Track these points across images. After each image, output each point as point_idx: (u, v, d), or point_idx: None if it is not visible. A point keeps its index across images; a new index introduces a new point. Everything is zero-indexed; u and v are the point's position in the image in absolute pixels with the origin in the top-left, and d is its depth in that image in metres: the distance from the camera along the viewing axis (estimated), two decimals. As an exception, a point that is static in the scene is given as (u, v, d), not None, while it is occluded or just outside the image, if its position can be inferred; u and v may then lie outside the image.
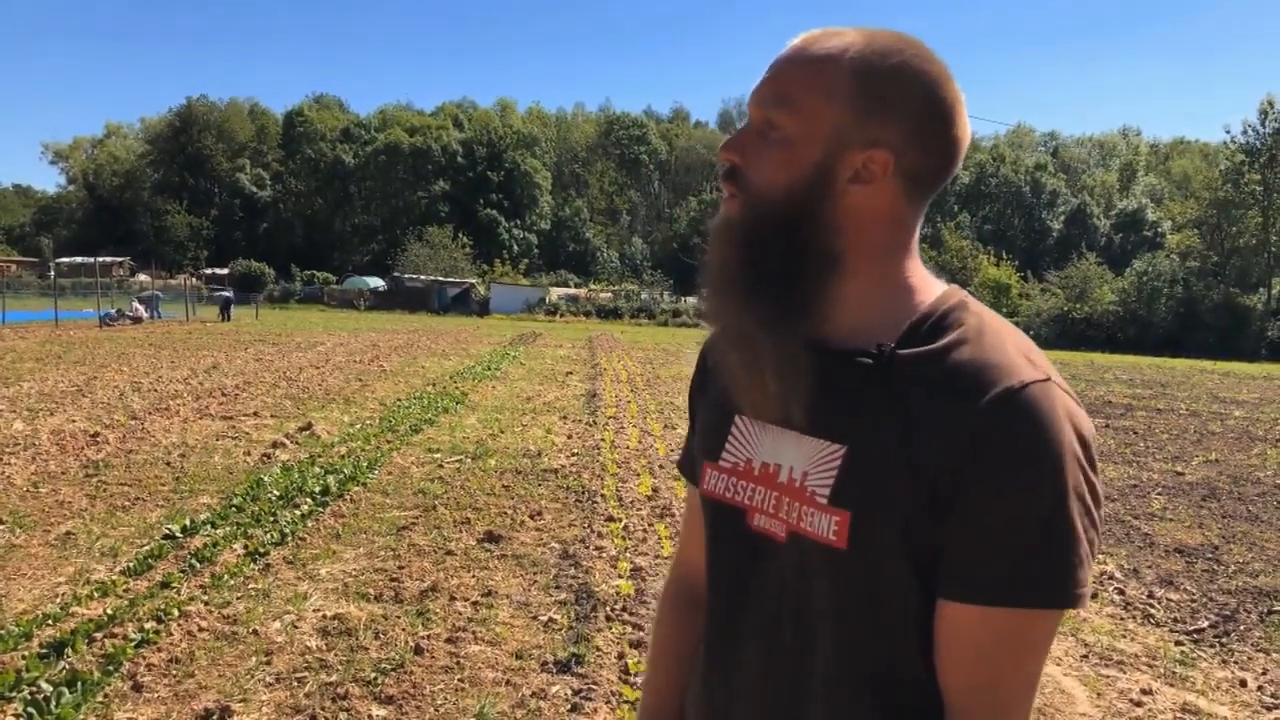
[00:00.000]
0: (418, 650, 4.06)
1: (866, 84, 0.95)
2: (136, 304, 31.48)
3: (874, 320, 0.98)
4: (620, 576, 5.10)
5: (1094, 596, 5.30)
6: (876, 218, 0.98)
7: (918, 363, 0.93)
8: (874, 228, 0.98)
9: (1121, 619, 4.98)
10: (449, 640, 4.19)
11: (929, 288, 1.01)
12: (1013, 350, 0.92)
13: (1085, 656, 4.40)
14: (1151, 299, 46.90)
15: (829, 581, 0.95)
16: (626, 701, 3.63)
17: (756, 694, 1.03)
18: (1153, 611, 5.08)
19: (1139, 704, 3.90)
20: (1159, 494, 8.23)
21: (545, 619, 4.51)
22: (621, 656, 4.05)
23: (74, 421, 9.52)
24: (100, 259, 40.10)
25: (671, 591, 1.32)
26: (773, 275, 0.96)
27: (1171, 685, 4.12)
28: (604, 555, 5.52)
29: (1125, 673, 4.23)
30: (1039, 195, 76.01)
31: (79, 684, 3.53)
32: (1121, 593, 5.38)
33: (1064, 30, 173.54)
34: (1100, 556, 6.10)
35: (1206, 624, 4.91)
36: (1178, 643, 4.65)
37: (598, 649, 4.13)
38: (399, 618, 4.45)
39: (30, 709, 3.34)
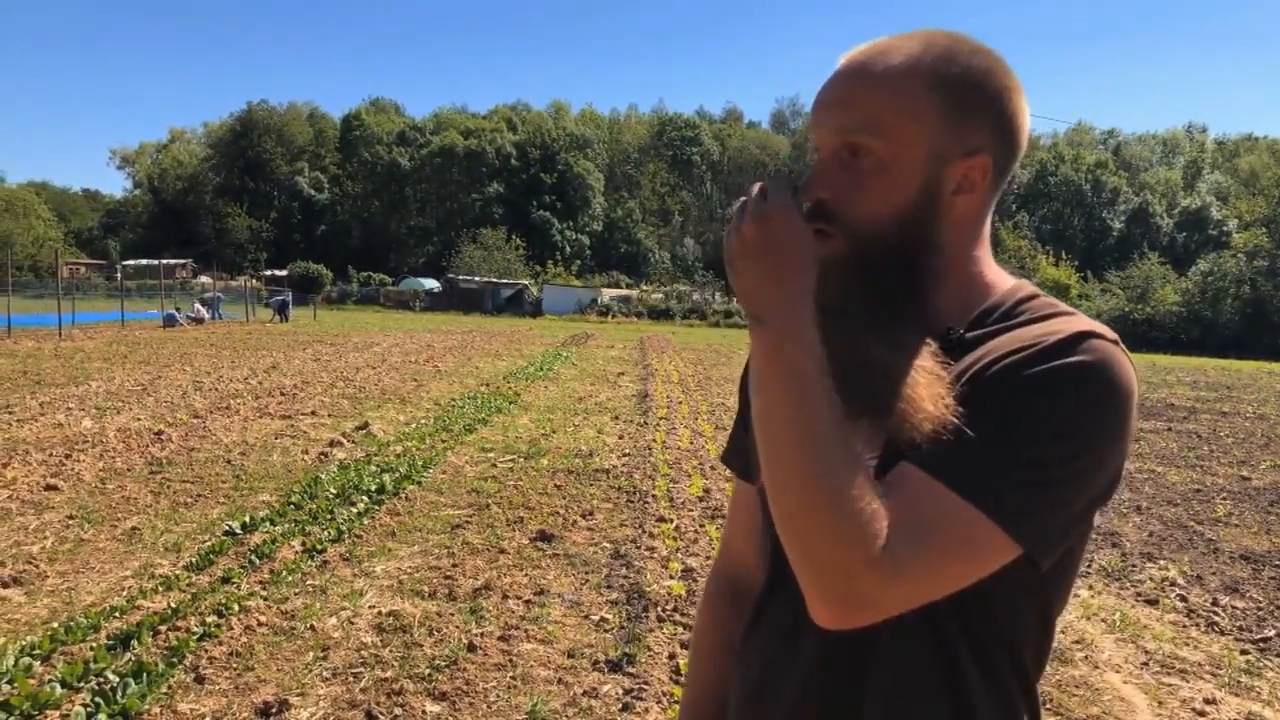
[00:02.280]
0: (471, 648, 4.10)
1: (948, 94, 0.94)
2: (198, 305, 32.19)
3: (950, 313, 0.98)
4: (671, 577, 5.10)
5: (1155, 603, 5.19)
6: (972, 221, 0.99)
7: (980, 340, 0.94)
8: (969, 230, 0.99)
9: (1184, 626, 4.86)
10: (502, 638, 4.23)
11: (1001, 281, 1.02)
12: (1083, 318, 0.93)
13: (1146, 664, 4.30)
14: (1217, 299, 45.76)
15: None
16: (678, 702, 3.63)
17: (813, 684, 1.00)
18: (1217, 619, 4.96)
19: (1202, 714, 3.80)
20: (1224, 499, 8.02)
21: (597, 618, 4.53)
22: (673, 657, 4.05)
23: (139, 420, 9.77)
24: (164, 261, 41.10)
25: (715, 584, 1.32)
26: (892, 301, 0.95)
27: (1236, 695, 4.02)
28: (655, 555, 5.53)
29: (1188, 681, 4.13)
30: (1099, 194, 74.55)
31: (144, 675, 3.62)
32: (1184, 599, 5.26)
33: (1124, 24, 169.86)
34: (1162, 562, 5.97)
35: (1274, 632, 4.77)
36: (1243, 651, 4.53)
37: (649, 649, 4.14)
38: (453, 615, 4.50)
39: (98, 698, 3.43)
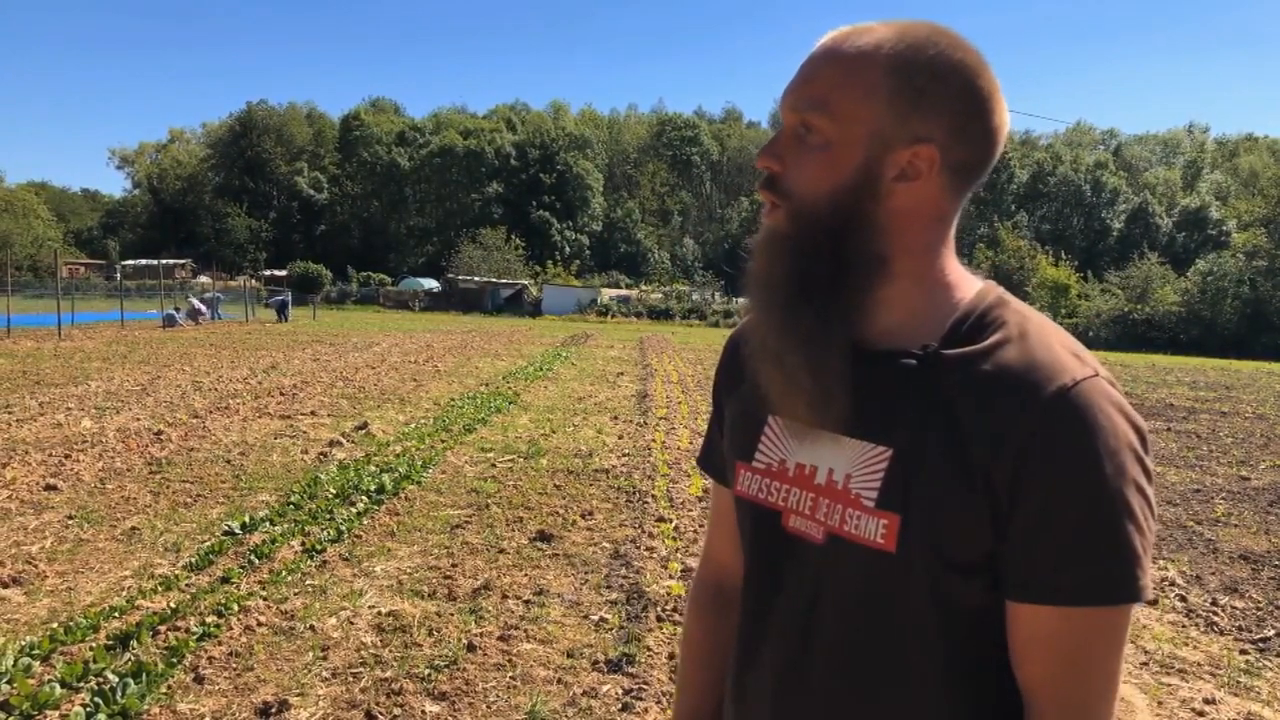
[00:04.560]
0: (470, 648, 4.10)
1: (904, 79, 0.93)
2: (193, 300, 32.24)
3: (914, 319, 0.97)
4: (671, 577, 5.10)
5: (1154, 602, 5.19)
6: (921, 215, 0.96)
7: (964, 363, 0.92)
8: (918, 225, 0.97)
9: (1184, 626, 4.86)
10: (501, 638, 4.23)
11: (966, 284, 1.00)
12: (1059, 347, 0.92)
13: (1146, 664, 4.30)
14: (1216, 299, 45.76)
15: (869, 584, 0.94)
16: (677, 702, 3.63)
17: (797, 694, 1.01)
18: (1216, 619, 4.96)
19: (1201, 714, 3.80)
20: (1223, 499, 8.02)
21: (596, 618, 4.53)
22: (672, 657, 4.05)
23: (139, 420, 9.76)
24: (163, 261, 41.06)
25: (701, 590, 1.31)
26: (820, 284, 0.94)
27: (1236, 695, 4.02)
28: (655, 555, 5.53)
29: (1187, 681, 4.13)
30: (1099, 194, 74.57)
31: (144, 675, 3.62)
32: (1184, 599, 5.26)
33: (1124, 25, 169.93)
34: (1161, 562, 5.97)
35: (1273, 632, 4.77)
36: (1243, 651, 4.53)
37: (649, 649, 4.14)
38: (452, 615, 4.50)
39: (97, 699, 3.43)
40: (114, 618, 4.27)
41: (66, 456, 7.69)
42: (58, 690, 3.48)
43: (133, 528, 5.81)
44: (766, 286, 0.98)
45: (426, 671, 3.85)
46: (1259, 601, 5.27)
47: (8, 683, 3.53)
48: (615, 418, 11.28)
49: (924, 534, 0.90)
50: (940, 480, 0.89)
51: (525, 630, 4.34)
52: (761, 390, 1.02)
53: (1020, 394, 0.88)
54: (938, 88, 0.93)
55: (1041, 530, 0.87)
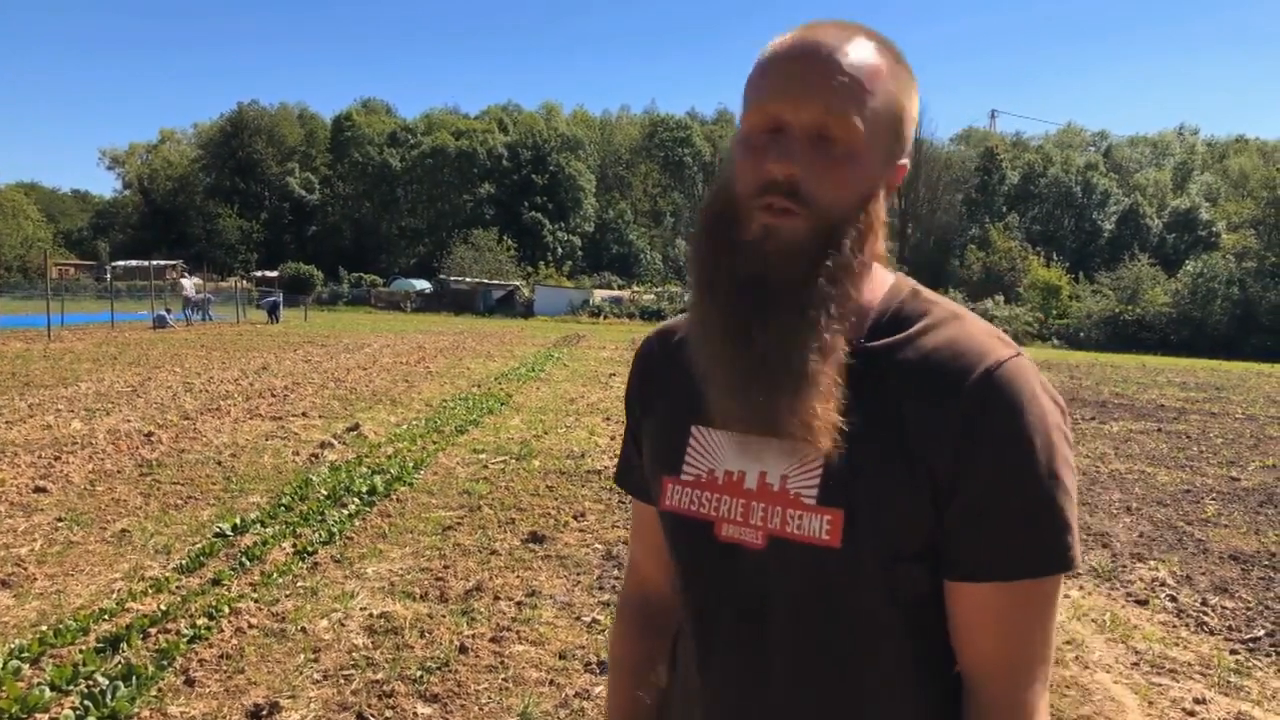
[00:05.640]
0: (462, 649, 4.09)
1: (901, 94, 0.96)
2: (184, 282, 32.27)
3: (860, 311, 0.99)
4: (663, 578, 5.10)
5: (1145, 603, 5.21)
6: (883, 223, 0.99)
7: (889, 353, 0.95)
8: (881, 233, 0.98)
9: (1174, 626, 4.88)
10: (493, 640, 4.22)
11: (881, 278, 1.03)
12: (980, 332, 0.95)
13: (1136, 664, 4.32)
14: (1206, 300, 45.90)
15: (817, 582, 0.95)
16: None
17: (757, 702, 1.01)
18: (1206, 619, 4.98)
19: (1192, 713, 3.82)
20: (1213, 499, 8.05)
21: (589, 620, 4.52)
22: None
23: (129, 421, 9.73)
24: (154, 262, 40.86)
25: (626, 605, 1.28)
26: (831, 289, 0.93)
27: (1226, 695, 4.03)
28: (647, 557, 5.52)
29: (1178, 681, 4.14)
30: (1090, 195, 74.74)
31: (134, 678, 3.61)
32: (1174, 600, 5.28)
33: (1114, 27, 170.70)
34: (1151, 562, 5.99)
35: (1263, 632, 4.79)
36: (1233, 651, 4.55)
37: (641, 650, 4.13)
38: (444, 617, 4.49)
39: (87, 701, 3.42)
40: (104, 620, 4.25)
41: (56, 458, 7.65)
42: (47, 693, 3.46)
43: (123, 530, 5.78)
44: (770, 290, 0.93)
45: (418, 673, 3.85)
46: (1249, 602, 5.29)
47: (-3, 686, 3.51)
48: (607, 419, 11.27)
49: (869, 526, 0.92)
50: (881, 471, 0.91)
51: (517, 632, 4.33)
52: (681, 394, 1.04)
53: (949, 378, 0.91)
54: (911, 102, 0.99)
55: (981, 510, 0.91)
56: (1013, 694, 0.94)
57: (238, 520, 5.96)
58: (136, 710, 3.44)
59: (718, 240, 0.96)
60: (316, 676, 3.80)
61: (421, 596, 4.77)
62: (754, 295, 0.93)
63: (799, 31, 0.97)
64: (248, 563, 5.14)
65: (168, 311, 29.11)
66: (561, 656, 4.08)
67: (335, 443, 8.87)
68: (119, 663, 3.80)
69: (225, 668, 3.85)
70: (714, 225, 0.97)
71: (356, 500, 6.58)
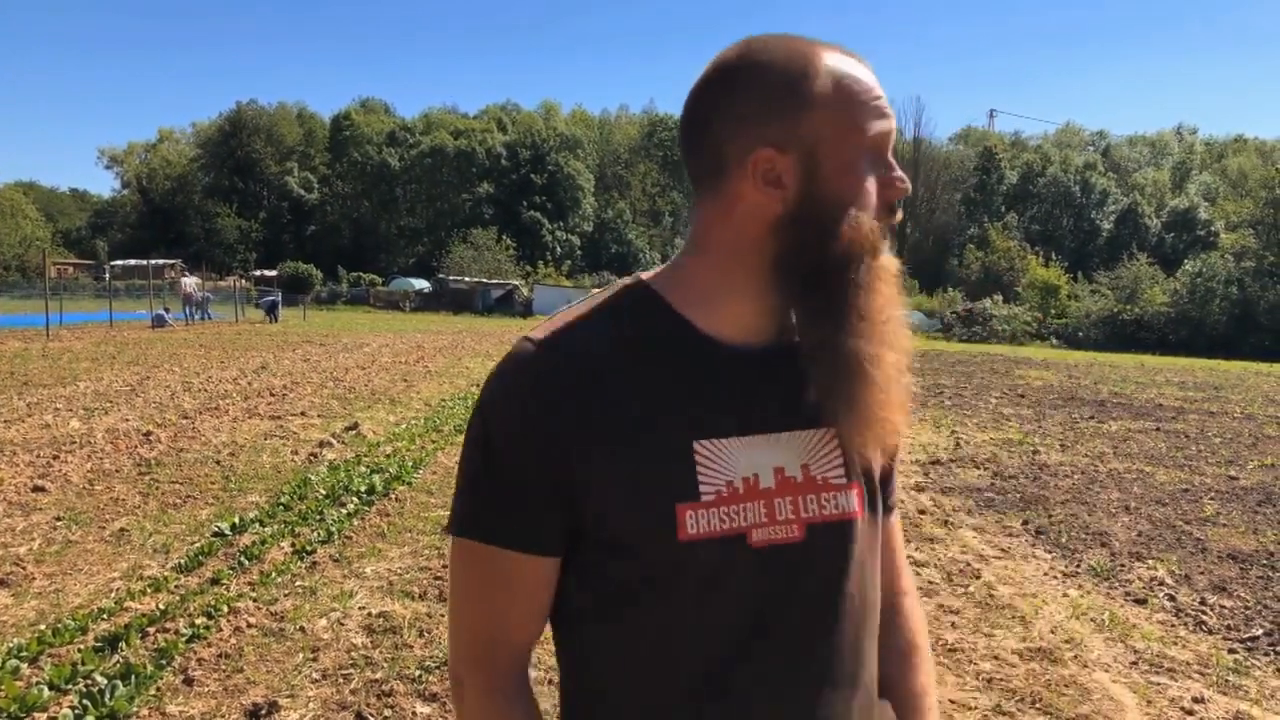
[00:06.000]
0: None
1: None
2: (185, 280, 32.32)
3: None
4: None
5: (1143, 602, 5.21)
6: None
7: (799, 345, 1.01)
8: None
9: (1173, 625, 4.88)
10: (492, 639, 4.21)
11: None
12: None
13: (1135, 663, 4.32)
14: (1205, 300, 45.90)
15: (850, 555, 1.02)
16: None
17: (806, 699, 1.00)
18: (1205, 618, 4.98)
19: (1190, 712, 3.82)
20: (1211, 499, 8.06)
21: (587, 619, 4.52)
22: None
23: (128, 420, 9.72)
24: (153, 261, 40.84)
25: (505, 680, 1.06)
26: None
27: (1224, 694, 4.04)
28: (646, 556, 5.52)
29: (1176, 680, 4.15)
30: (1088, 195, 74.78)
31: (132, 677, 3.61)
32: (1173, 599, 5.28)
33: (1113, 26, 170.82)
34: (1150, 561, 6.00)
35: (1261, 631, 4.80)
36: (1231, 650, 4.55)
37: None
38: (442, 616, 4.49)
39: (86, 701, 3.41)
40: (102, 619, 4.25)
41: (55, 457, 7.65)
42: (46, 692, 3.46)
43: (121, 529, 5.78)
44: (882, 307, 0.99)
45: (417, 673, 3.84)
46: (1247, 601, 5.29)
47: (-5, 685, 3.51)
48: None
49: (873, 489, 1.06)
50: None
51: (516, 631, 4.32)
52: (678, 415, 0.96)
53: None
54: None
55: (895, 454, 1.14)
56: (916, 599, 1.24)
57: (236, 519, 5.96)
58: (135, 709, 3.44)
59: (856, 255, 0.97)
60: (315, 676, 3.80)
61: (420, 596, 4.77)
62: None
63: (849, 52, 1.00)
64: (246, 562, 5.14)
65: (166, 311, 29.09)
66: (560, 656, 4.08)
67: (334, 442, 8.87)
68: (117, 662, 3.79)
69: (224, 667, 3.85)
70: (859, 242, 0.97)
71: (355, 499, 6.58)
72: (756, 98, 0.95)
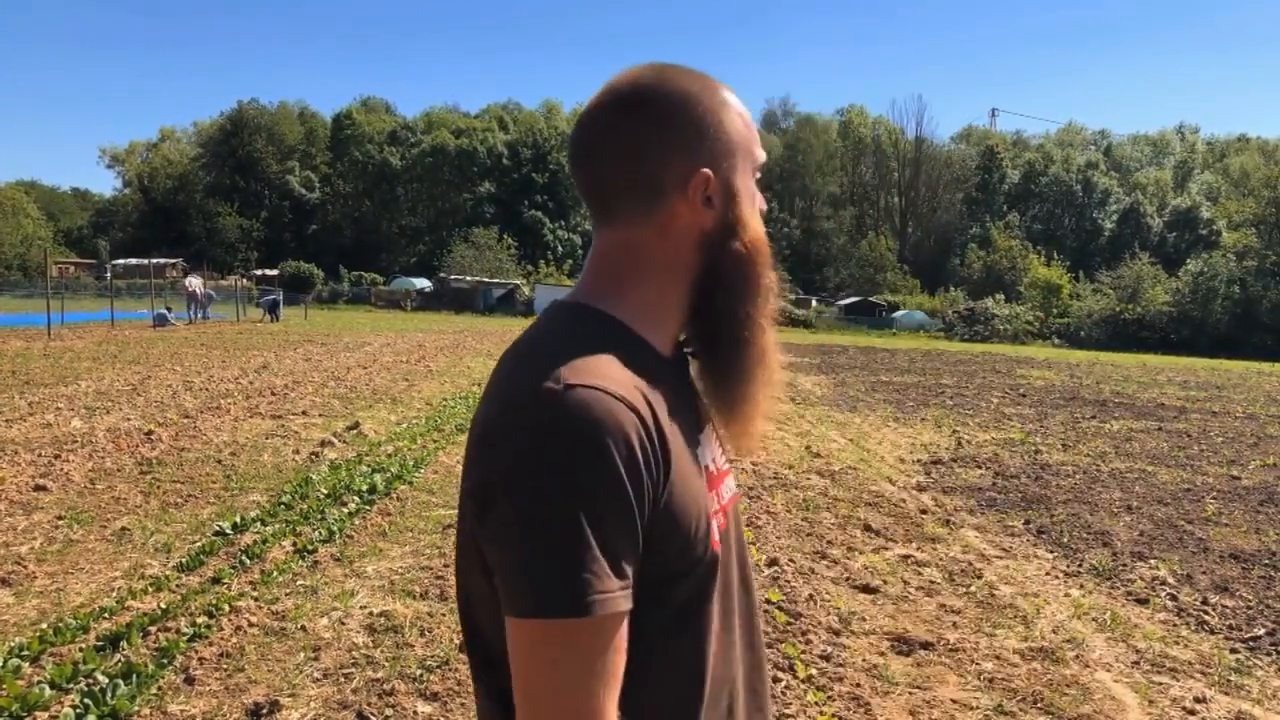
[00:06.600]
0: (463, 648, 4.08)
1: None
2: (191, 280, 32.46)
3: None
4: (663, 577, 5.09)
5: (1145, 602, 5.21)
6: None
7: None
8: None
9: (1174, 625, 4.88)
10: (493, 638, 4.21)
11: None
12: None
13: (1136, 663, 4.32)
14: (1207, 299, 45.93)
15: (741, 529, 1.15)
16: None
17: (755, 663, 1.15)
18: (1207, 618, 4.98)
19: (1192, 712, 3.82)
20: (1213, 498, 8.05)
21: (589, 618, 4.51)
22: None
23: (129, 420, 9.72)
24: (154, 261, 40.86)
25: None
26: None
27: (1226, 693, 4.03)
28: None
29: (1178, 680, 4.14)
30: (1090, 194, 74.80)
31: (134, 676, 3.61)
32: (1174, 598, 5.28)
33: (1115, 25, 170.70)
34: (1152, 561, 6.00)
35: (1263, 631, 4.79)
36: (1233, 650, 4.55)
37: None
38: (444, 615, 4.49)
39: (87, 700, 3.41)
40: (104, 618, 4.25)
41: (56, 457, 7.65)
42: (47, 691, 3.46)
43: (123, 528, 5.78)
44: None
45: (418, 672, 3.84)
46: (1249, 600, 5.29)
47: (-3, 684, 3.51)
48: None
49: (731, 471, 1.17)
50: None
51: (517, 630, 4.32)
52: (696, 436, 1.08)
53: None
54: None
55: None
56: None
57: (238, 519, 5.96)
58: (136, 709, 3.44)
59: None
60: (316, 675, 3.80)
61: (422, 595, 4.77)
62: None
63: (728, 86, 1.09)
64: (248, 561, 5.14)
65: (168, 310, 29.09)
66: (562, 655, 4.07)
67: (335, 441, 8.87)
68: (119, 661, 3.79)
69: (225, 666, 3.85)
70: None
71: (356, 499, 6.58)
72: (690, 124, 1.01)
